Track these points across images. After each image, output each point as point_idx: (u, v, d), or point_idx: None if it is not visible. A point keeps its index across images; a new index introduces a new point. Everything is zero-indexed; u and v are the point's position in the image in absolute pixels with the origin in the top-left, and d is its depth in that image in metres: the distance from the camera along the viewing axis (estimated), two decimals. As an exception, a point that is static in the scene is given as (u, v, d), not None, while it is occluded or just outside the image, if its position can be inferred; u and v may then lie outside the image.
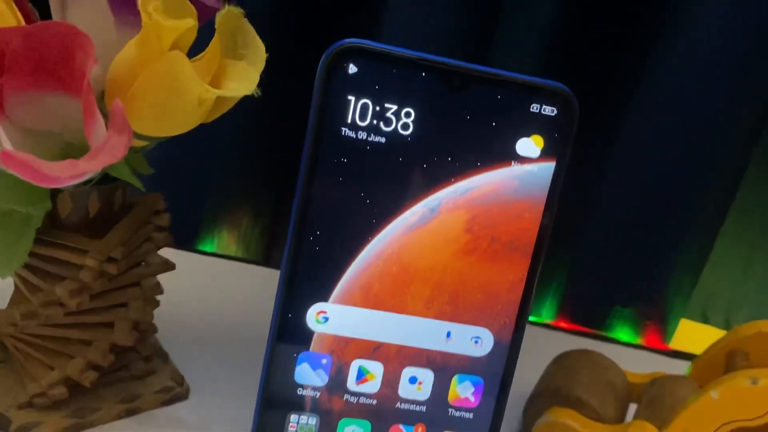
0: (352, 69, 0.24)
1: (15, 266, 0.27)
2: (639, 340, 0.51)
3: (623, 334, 0.51)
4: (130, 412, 0.33)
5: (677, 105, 0.44)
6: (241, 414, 0.33)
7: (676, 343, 0.52)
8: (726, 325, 0.57)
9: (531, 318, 0.52)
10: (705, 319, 0.58)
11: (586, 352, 0.39)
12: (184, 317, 0.39)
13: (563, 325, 0.51)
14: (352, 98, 0.24)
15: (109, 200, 0.30)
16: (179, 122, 0.26)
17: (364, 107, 0.24)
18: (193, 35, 0.26)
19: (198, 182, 0.47)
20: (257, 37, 0.27)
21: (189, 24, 0.25)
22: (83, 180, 0.24)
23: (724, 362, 0.37)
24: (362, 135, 0.24)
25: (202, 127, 0.27)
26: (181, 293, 0.38)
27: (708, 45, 0.42)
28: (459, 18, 0.43)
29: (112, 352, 0.31)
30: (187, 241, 0.48)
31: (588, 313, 0.50)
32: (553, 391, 0.36)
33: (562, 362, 0.39)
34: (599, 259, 0.49)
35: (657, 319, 0.50)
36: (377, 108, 0.24)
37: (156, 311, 0.34)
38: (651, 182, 0.46)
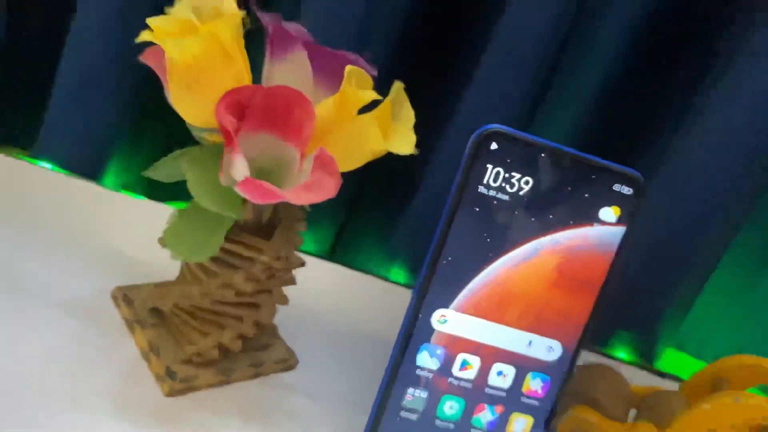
0: (494, 146, 0.33)
1: (209, 254, 0.36)
2: (635, 359, 0.61)
3: (621, 353, 0.61)
4: (256, 375, 0.42)
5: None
6: (340, 386, 0.42)
7: (661, 364, 0.63)
8: (698, 355, 0.68)
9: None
10: (682, 348, 0.69)
11: (602, 365, 0.49)
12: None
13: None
14: (489, 166, 0.33)
15: (275, 210, 0.38)
16: (352, 165, 0.35)
17: (497, 174, 0.33)
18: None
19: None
20: (409, 104, 0.37)
21: (373, 96, 0.34)
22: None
23: (710, 385, 0.47)
24: (492, 192, 0.34)
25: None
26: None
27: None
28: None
29: (257, 327, 0.40)
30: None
31: (596, 334, 0.60)
32: (575, 393, 0.46)
33: (584, 371, 0.48)
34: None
35: (651, 344, 0.60)
36: (506, 175, 0.33)
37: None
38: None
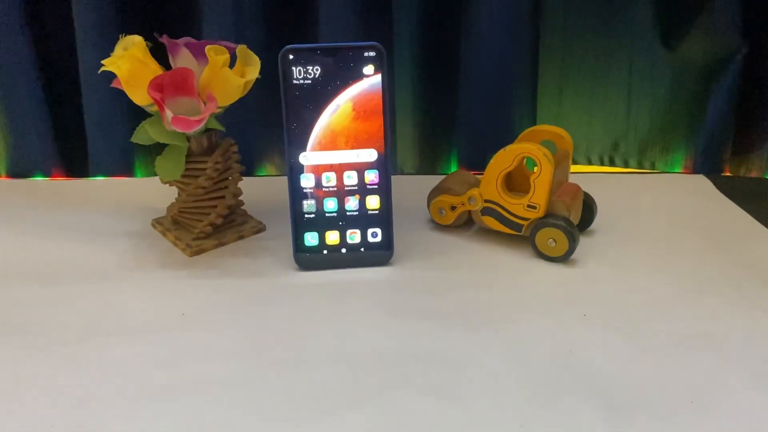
0: (291, 56, 0.62)
1: (179, 173, 0.66)
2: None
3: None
4: (240, 237, 0.72)
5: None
6: (287, 228, 0.71)
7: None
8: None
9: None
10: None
11: (454, 171, 0.76)
12: (258, 199, 0.78)
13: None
14: (293, 68, 0.62)
15: (210, 139, 0.68)
16: (232, 96, 0.65)
17: (299, 71, 0.62)
18: (228, 60, 0.64)
19: (248, 134, 0.87)
20: (254, 55, 0.66)
21: (226, 56, 0.63)
22: (201, 127, 0.63)
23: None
24: (301, 81, 0.62)
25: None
26: (253, 193, 0.77)
27: None
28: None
29: (227, 209, 0.70)
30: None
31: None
32: (436, 189, 0.74)
33: (447, 176, 0.76)
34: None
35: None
36: (304, 69, 0.62)
37: (243, 198, 0.73)
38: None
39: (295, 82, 0.62)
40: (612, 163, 0.95)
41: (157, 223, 0.74)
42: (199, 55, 0.65)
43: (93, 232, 0.73)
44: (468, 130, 0.90)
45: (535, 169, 0.66)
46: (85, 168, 0.91)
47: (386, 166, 0.65)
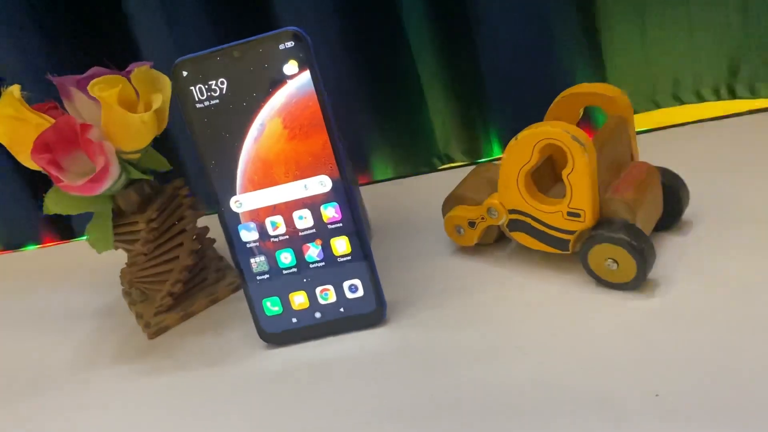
0: (185, 73, 0.44)
1: (110, 242, 0.52)
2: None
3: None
4: (214, 301, 0.57)
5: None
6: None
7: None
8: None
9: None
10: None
11: (477, 165, 0.55)
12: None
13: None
14: (192, 88, 0.45)
15: (142, 191, 0.54)
16: (141, 137, 0.49)
17: (200, 89, 0.45)
18: (129, 89, 0.49)
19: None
20: (162, 75, 0.49)
21: (118, 88, 0.47)
22: (108, 185, 0.48)
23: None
24: (207, 103, 0.45)
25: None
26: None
27: None
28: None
29: (186, 271, 0.55)
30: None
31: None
32: (449, 198, 0.53)
33: (462, 180, 0.55)
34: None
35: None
36: (206, 86, 0.45)
37: (216, 246, 0.57)
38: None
39: (198, 105, 0.45)
40: (733, 95, 0.67)
41: (125, 294, 0.61)
42: (93, 96, 0.50)
43: (52, 315, 0.62)
44: (504, 99, 0.67)
45: (568, 160, 0.43)
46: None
47: (347, 192, 0.46)
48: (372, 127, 0.71)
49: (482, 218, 0.50)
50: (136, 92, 0.49)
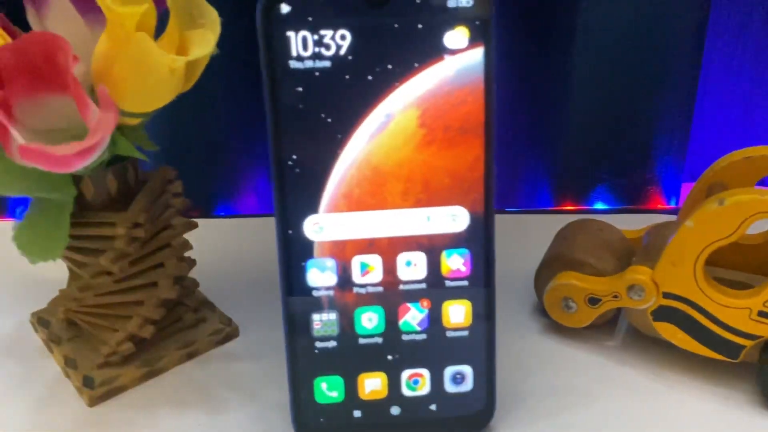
0: (285, 9, 0.27)
1: (60, 248, 0.32)
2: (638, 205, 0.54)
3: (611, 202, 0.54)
4: (191, 356, 0.38)
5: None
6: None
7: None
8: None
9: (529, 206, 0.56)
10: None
11: (580, 220, 0.42)
12: (221, 272, 0.44)
13: (566, 207, 0.55)
14: (291, 34, 0.28)
15: (124, 178, 0.34)
16: (159, 94, 0.30)
17: (304, 39, 0.28)
18: (154, 16, 0.30)
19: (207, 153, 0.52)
20: (209, 6, 0.31)
21: (144, 7, 0.29)
22: (93, 160, 0.29)
23: (706, 196, 0.39)
24: (309, 63, 0.28)
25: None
26: (214, 252, 0.43)
27: None
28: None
29: (163, 306, 0.36)
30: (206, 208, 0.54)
31: (579, 189, 0.53)
32: (554, 259, 0.40)
33: (561, 233, 0.42)
34: (583, 137, 0.52)
35: (655, 183, 0.52)
36: (315, 37, 0.28)
37: (196, 269, 0.39)
38: (618, 51, 0.49)
39: (295, 64, 0.28)
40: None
41: (39, 323, 0.40)
42: (89, 7, 0.31)
43: None
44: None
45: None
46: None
47: (487, 238, 0.31)
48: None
49: (615, 296, 0.37)
50: (158, 23, 0.31)
